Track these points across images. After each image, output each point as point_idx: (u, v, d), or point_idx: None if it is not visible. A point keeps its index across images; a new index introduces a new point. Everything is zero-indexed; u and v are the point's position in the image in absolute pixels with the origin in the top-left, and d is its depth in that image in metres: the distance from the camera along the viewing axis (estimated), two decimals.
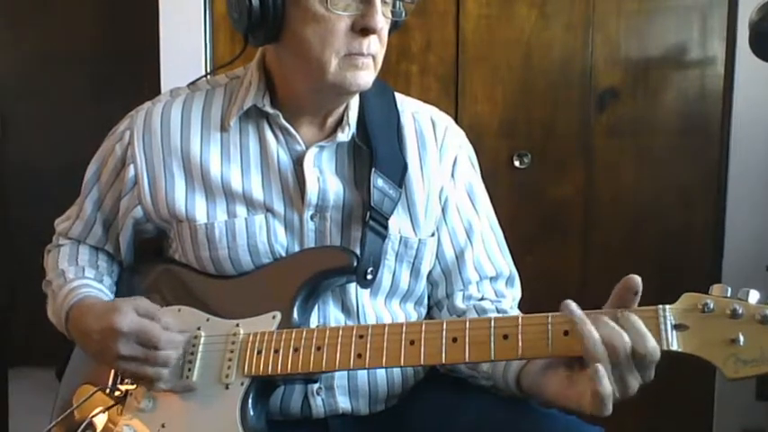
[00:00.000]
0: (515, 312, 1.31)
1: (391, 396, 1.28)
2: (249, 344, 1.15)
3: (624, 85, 2.22)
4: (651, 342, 0.94)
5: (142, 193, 1.27)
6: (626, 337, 0.94)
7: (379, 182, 1.22)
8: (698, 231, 2.26)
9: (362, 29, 1.13)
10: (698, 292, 0.96)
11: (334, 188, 1.24)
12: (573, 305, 0.99)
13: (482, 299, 1.31)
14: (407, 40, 2.21)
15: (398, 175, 1.25)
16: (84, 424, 1.21)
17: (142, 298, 1.20)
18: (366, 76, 1.17)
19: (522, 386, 1.12)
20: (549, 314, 1.01)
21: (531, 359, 1.08)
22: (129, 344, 1.14)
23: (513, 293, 1.36)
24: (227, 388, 1.15)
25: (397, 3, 1.18)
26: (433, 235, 1.30)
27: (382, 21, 1.15)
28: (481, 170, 1.38)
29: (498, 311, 1.28)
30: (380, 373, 1.26)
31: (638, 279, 0.98)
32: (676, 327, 0.95)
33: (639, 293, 0.98)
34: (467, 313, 1.29)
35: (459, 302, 1.31)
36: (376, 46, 1.16)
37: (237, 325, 1.18)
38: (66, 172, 1.50)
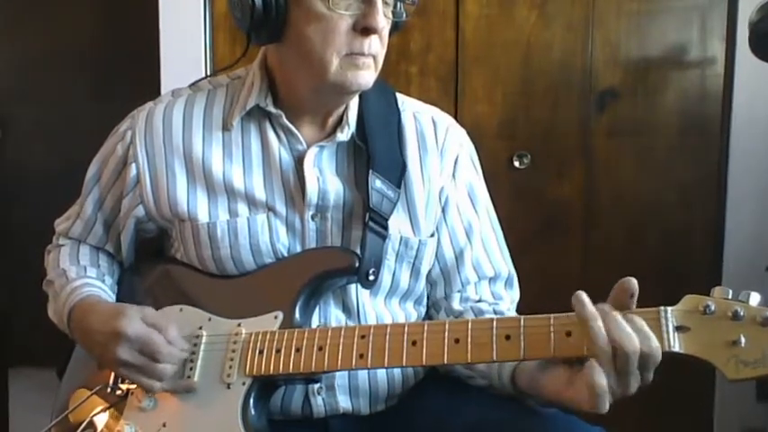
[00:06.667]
0: (513, 315, 1.30)
1: (392, 396, 1.29)
2: (251, 344, 1.15)
3: (624, 85, 2.22)
4: (655, 343, 0.95)
5: (144, 193, 1.27)
6: (636, 341, 0.94)
7: (377, 183, 1.22)
8: (698, 231, 2.26)
9: (364, 28, 1.14)
10: (697, 292, 0.97)
11: (335, 188, 1.24)
12: (585, 300, 0.97)
13: (479, 301, 1.31)
14: (407, 41, 2.21)
15: (397, 175, 1.25)
16: (84, 423, 1.21)
17: (150, 308, 1.20)
18: (367, 76, 1.17)
19: (518, 385, 1.12)
20: (552, 315, 1.01)
21: (533, 360, 1.08)
22: (130, 350, 1.14)
23: (512, 295, 1.35)
24: (228, 387, 1.15)
25: (398, 4, 1.19)
26: (432, 235, 1.29)
27: (383, 21, 1.15)
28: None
29: (496, 313, 1.28)
30: (381, 372, 1.26)
31: (634, 282, 0.98)
32: (678, 328, 0.95)
33: (636, 296, 0.98)
34: (463, 315, 1.29)
35: (456, 304, 1.31)
36: (377, 46, 1.17)
37: (239, 325, 1.18)
38: (67, 172, 1.50)
